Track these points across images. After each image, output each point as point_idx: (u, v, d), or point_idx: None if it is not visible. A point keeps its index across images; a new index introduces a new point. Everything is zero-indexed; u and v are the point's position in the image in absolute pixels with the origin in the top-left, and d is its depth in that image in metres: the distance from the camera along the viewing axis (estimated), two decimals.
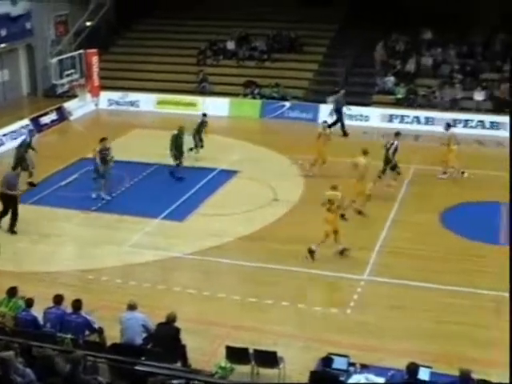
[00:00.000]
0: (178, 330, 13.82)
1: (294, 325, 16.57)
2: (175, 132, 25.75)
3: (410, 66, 37.01)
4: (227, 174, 26.12)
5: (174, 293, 18.00)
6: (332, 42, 40.07)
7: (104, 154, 23.73)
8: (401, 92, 35.52)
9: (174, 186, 24.89)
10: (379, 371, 13.12)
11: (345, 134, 32.36)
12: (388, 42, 38.53)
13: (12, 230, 21.32)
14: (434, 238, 21.20)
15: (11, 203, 21.24)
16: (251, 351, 13.85)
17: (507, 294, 17.79)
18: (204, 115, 28.96)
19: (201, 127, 28.38)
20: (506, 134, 31.41)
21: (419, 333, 16.15)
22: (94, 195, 23.94)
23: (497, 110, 33.79)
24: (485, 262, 19.73)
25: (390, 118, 34.07)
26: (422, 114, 33.99)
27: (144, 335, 13.99)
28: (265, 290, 17.94)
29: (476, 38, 37.60)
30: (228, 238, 21.12)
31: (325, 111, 34.79)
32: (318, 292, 18.25)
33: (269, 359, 13.82)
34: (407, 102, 35.17)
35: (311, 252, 19.63)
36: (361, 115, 34.34)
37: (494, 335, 16.03)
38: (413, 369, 12.01)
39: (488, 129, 32.52)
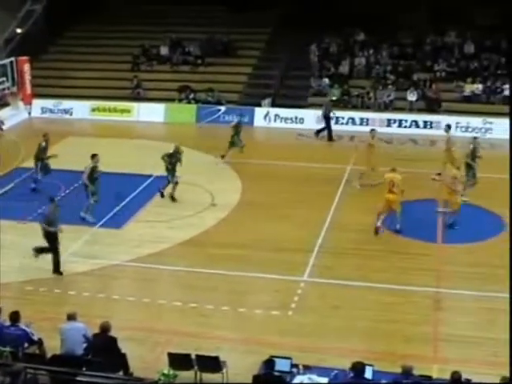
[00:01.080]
0: (114, 340, 13.66)
1: (236, 329, 16.55)
2: (170, 151, 24.57)
3: (344, 68, 37.43)
4: (164, 180, 25.95)
5: (114, 301, 17.83)
6: (266, 46, 40.29)
7: (95, 172, 22.80)
8: (335, 93, 35.85)
9: (110, 194, 24.57)
10: (322, 371, 13.18)
11: (331, 139, 32.54)
12: (322, 44, 38.85)
13: (57, 270, 19.40)
14: (373, 237, 21.39)
15: (50, 240, 19.24)
16: (193, 357, 13.79)
17: (445, 291, 18.21)
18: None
19: (238, 129, 29.02)
20: (439, 132, 31.94)
21: (360, 332, 16.31)
22: (82, 214, 22.83)
23: (429, 109, 34.38)
24: (423, 259, 20.00)
25: None
26: (357, 114, 34.38)
27: (85, 345, 13.82)
28: (205, 295, 17.89)
29: (406, 39, 38.21)
30: (167, 244, 21.00)
31: (260, 114, 34.98)
32: (258, 295, 18.24)
33: (211, 364, 13.78)
34: (342, 103, 35.51)
35: (377, 230, 21.19)
36: (296, 117, 34.55)
37: (431, 331, 16.29)
38: (359, 368, 12.08)
39: (421, 128, 33.10)
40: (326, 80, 36.58)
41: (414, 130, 33.03)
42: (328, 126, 32.59)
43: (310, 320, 16.73)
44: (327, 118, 32.63)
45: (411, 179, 25.93)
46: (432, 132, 32.57)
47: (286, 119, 34.53)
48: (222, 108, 35.67)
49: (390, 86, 35.58)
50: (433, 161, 27.63)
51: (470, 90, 34.83)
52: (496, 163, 25.60)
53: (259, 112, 35.21)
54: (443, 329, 16.54)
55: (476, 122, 32.64)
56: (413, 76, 36.31)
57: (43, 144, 25.89)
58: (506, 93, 34.46)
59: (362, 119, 34.13)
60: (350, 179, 26.01)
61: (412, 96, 34.93)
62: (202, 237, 21.60)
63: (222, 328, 16.50)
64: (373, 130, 27.30)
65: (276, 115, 34.85)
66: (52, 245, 19.13)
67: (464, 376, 12.17)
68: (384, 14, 36.42)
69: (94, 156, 22.93)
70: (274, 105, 35.97)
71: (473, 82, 34.99)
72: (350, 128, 33.66)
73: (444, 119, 32.94)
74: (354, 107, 35.39)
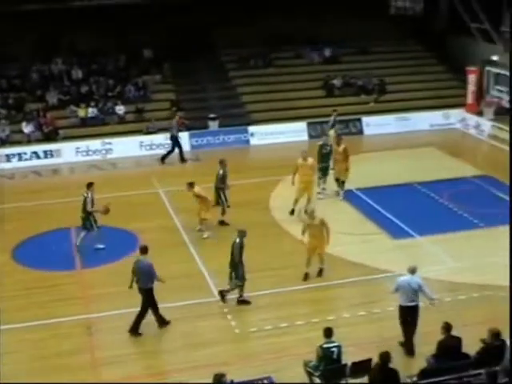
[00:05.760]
0: None
1: None
2: (237, 240, 18.61)
3: None
4: None
5: None
6: None
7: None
8: None
9: None
10: None
11: (183, 160, 31.87)
12: None
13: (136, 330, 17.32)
14: (10, 277, 20.56)
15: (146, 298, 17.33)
16: None
17: (94, 315, 18.10)
18: None
19: None
20: (60, 160, 31.85)
21: (18, 375, 15.53)
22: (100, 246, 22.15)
23: (47, 138, 33.84)
24: (66, 289, 19.71)
25: None
26: None
27: None
28: None
29: (13, 71, 37.41)
30: None
31: None
32: None
33: None
34: None
35: (306, 275, 19.60)
36: None
37: (89, 358, 16.17)
38: None
39: (42, 158, 32.50)
40: None
41: (35, 162, 32.32)
42: (178, 147, 31.87)
43: None
44: (175, 140, 31.79)
45: (41, 212, 25.53)
46: (53, 161, 32.20)
47: None
48: None
49: (3, 121, 34.52)
50: (58, 190, 27.53)
51: (85, 114, 35.09)
52: (119, 182, 25.96)
53: None
54: (101, 353, 16.46)
55: (95, 144, 32.96)
56: (25, 107, 35.63)
57: (221, 172, 23.45)
58: (120, 113, 35.31)
59: None
60: None
61: (27, 128, 34.23)
62: None
63: None
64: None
65: None
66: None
67: None
68: None
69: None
70: None
71: (86, 106, 35.29)
72: None
73: (63, 146, 32.85)
74: None
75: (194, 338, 17.11)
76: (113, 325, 17.66)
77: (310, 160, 24.24)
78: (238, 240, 18.35)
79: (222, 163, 23.72)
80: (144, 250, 17.40)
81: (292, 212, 23.96)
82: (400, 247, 21.83)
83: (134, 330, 17.25)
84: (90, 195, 21.87)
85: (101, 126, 34.98)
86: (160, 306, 17.74)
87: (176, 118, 32.49)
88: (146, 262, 17.21)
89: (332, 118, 32.47)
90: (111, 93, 36.64)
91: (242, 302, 18.61)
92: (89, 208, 21.78)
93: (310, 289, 19.07)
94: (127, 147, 33.02)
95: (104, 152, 32.92)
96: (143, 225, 23.30)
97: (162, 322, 17.51)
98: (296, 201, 24.02)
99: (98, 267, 20.98)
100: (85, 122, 35.01)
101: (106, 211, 22.06)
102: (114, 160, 32.10)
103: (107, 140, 33.15)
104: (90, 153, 32.82)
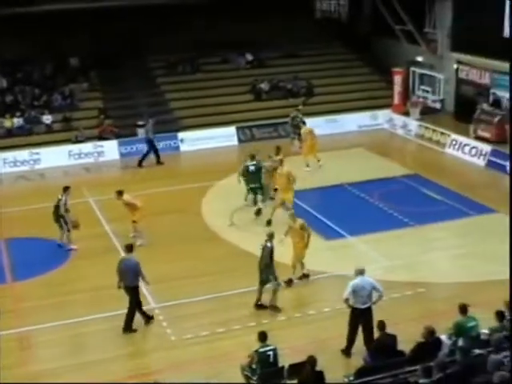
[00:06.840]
0: None
1: None
2: (268, 244, 18.19)
3: None
4: None
5: None
6: None
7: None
8: None
9: None
10: None
11: (159, 162, 31.90)
12: None
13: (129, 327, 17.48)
14: None
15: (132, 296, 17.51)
16: None
17: (27, 329, 17.77)
18: None
19: None
20: None
21: None
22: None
23: None
24: None
25: None
26: None
27: None
28: None
29: None
30: None
31: None
32: None
33: None
34: None
35: (290, 281, 19.55)
36: None
37: (23, 372, 15.88)
38: None
39: None
40: None
41: None
42: (154, 150, 31.97)
43: None
44: (150, 142, 31.74)
45: None
46: None
47: None
48: None
49: None
50: None
51: (11, 125, 34.41)
52: (48, 192, 25.39)
53: None
54: (37, 366, 16.19)
55: (22, 155, 32.37)
56: None
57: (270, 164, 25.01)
58: (47, 122, 34.73)
59: None
60: None
61: None
62: None
63: None
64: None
65: None
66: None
67: None
68: None
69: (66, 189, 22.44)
70: None
71: (12, 116, 34.61)
72: None
73: None
74: None
75: (130, 346, 16.95)
76: (47, 338, 17.38)
77: (285, 169, 24.33)
78: (268, 244, 18.09)
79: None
80: (129, 249, 17.63)
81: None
82: (332, 248, 22.02)
83: (128, 328, 17.35)
84: (64, 198, 22.18)
85: (27, 136, 34.33)
86: (95, 316, 17.61)
87: (150, 122, 32.35)
88: (132, 260, 17.41)
89: (291, 116, 32.66)
90: (37, 102, 36.01)
91: (275, 307, 18.32)
92: (61, 211, 22.06)
93: (245, 293, 19.00)
94: (55, 157, 32.50)
95: (32, 162, 32.37)
96: (74, 234, 22.95)
97: (148, 318, 17.74)
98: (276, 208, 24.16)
99: (30, 279, 20.59)
100: (11, 133, 34.33)
101: (76, 226, 22.43)
102: (42, 170, 31.56)
103: (35, 150, 32.57)
104: (18, 163, 32.21)
